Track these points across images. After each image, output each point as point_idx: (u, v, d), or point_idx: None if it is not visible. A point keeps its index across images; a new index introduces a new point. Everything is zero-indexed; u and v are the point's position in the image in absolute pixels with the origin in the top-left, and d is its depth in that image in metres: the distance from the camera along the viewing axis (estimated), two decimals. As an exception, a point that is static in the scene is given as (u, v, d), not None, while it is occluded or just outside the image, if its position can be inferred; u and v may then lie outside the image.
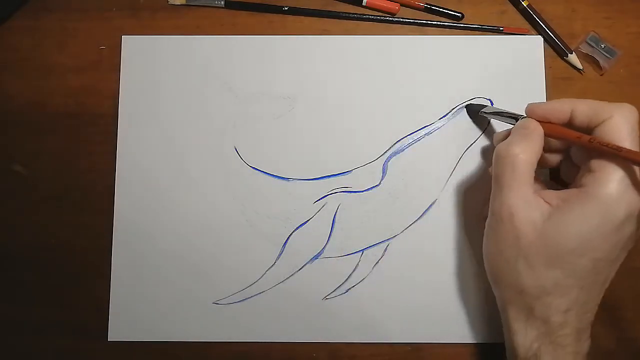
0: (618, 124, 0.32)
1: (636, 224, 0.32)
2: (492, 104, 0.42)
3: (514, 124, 0.36)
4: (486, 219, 0.35)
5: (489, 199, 0.35)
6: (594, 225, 0.31)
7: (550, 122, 0.35)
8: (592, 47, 0.42)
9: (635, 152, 0.31)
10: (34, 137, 0.43)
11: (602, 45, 0.42)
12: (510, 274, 0.33)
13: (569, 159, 0.37)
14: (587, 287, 0.32)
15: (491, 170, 0.35)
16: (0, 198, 0.42)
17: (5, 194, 0.42)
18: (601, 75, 0.43)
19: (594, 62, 0.43)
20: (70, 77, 0.43)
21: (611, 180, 0.31)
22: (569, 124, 0.34)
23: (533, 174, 0.33)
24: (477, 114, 0.41)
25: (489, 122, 0.42)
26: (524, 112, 0.36)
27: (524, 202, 0.32)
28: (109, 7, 0.44)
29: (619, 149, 0.30)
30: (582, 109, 0.33)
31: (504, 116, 0.38)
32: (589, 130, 0.33)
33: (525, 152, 0.33)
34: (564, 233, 0.31)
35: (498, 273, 0.34)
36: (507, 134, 0.36)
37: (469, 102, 0.42)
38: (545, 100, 0.42)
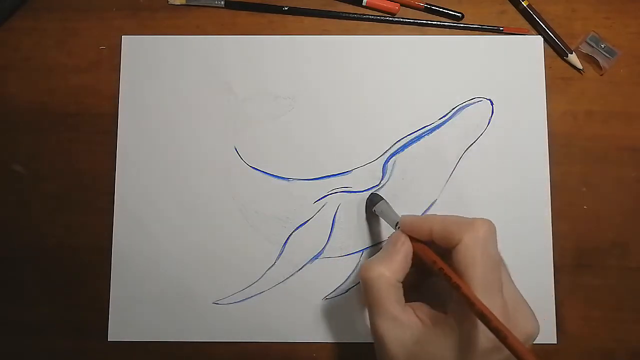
0: (467, 248, 0.31)
1: (503, 352, 0.30)
2: (492, 104, 0.42)
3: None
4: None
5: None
6: (456, 356, 0.30)
7: (417, 239, 0.34)
8: (592, 47, 0.42)
9: (469, 293, 0.29)
10: (34, 137, 0.43)
11: (602, 45, 0.42)
12: None
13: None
14: None
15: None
16: (0, 198, 0.42)
17: (5, 194, 0.42)
18: (601, 75, 0.43)
19: (594, 62, 0.43)
20: (70, 77, 0.43)
21: (468, 313, 0.30)
22: (431, 240, 0.33)
23: (400, 291, 0.33)
24: (372, 207, 0.40)
25: (489, 123, 0.42)
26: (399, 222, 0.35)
27: (392, 323, 0.32)
28: (109, 7, 0.44)
29: (457, 286, 0.29)
30: (437, 229, 0.32)
31: (389, 219, 0.37)
32: (449, 249, 0.32)
33: (388, 270, 0.32)
34: (430, 358, 0.31)
35: None
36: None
37: (370, 195, 0.41)
38: (545, 102, 0.42)
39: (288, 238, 0.41)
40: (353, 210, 0.41)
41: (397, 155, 0.42)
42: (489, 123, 0.42)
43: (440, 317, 0.32)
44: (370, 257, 0.41)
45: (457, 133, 0.42)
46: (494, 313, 0.28)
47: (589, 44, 0.42)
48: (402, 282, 0.33)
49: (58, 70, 0.43)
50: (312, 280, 0.41)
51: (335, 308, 0.41)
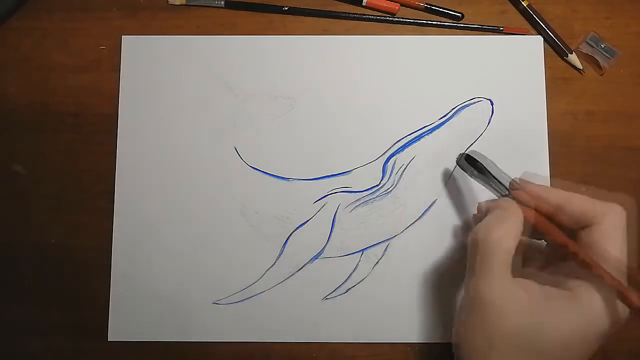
0: (608, 231, 0.31)
1: (615, 330, 0.31)
2: (492, 104, 0.42)
3: (496, 193, 0.36)
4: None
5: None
6: (578, 331, 0.30)
7: (535, 210, 0.33)
8: (592, 47, 0.42)
9: (616, 280, 0.30)
10: (34, 137, 0.43)
11: (602, 45, 0.42)
12: None
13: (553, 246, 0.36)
14: None
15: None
16: (0, 198, 0.42)
17: (5, 194, 0.42)
18: (601, 75, 0.43)
19: (594, 62, 0.43)
20: (70, 77, 0.43)
21: (598, 291, 0.30)
22: (554, 215, 0.33)
23: (511, 261, 0.32)
24: (470, 168, 0.38)
25: (489, 123, 0.42)
26: (509, 185, 0.35)
27: (501, 293, 0.31)
28: (109, 7, 0.44)
29: (602, 272, 0.30)
30: (572, 207, 0.32)
31: (490, 184, 0.37)
32: (576, 228, 0.32)
33: (503, 238, 0.32)
34: (546, 333, 0.30)
35: (467, 358, 0.33)
36: (486, 212, 0.35)
37: (467, 152, 0.39)
38: (545, 102, 0.42)
39: (288, 238, 0.41)
40: (353, 211, 0.41)
41: (397, 155, 0.42)
42: (489, 123, 0.42)
43: (557, 295, 0.31)
44: (370, 257, 0.41)
45: (457, 133, 0.42)
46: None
47: (589, 44, 0.42)
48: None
49: (58, 70, 0.43)
50: (312, 280, 0.41)
51: (335, 308, 0.41)
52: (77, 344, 0.41)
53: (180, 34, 0.43)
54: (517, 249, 0.32)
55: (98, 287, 0.41)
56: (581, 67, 0.42)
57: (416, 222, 0.41)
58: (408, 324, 0.40)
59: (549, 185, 0.40)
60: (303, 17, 0.44)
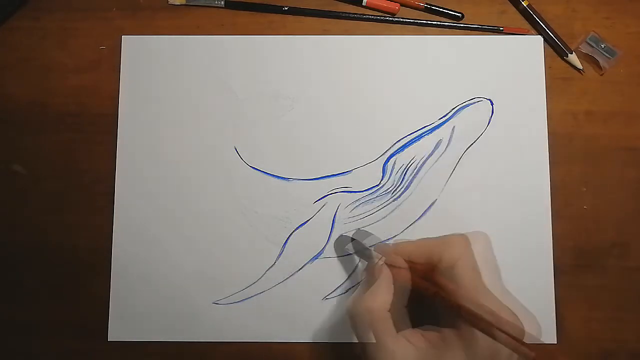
0: (455, 263, 0.32)
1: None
2: (492, 104, 0.42)
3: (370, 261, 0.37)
4: None
5: None
6: None
7: (397, 267, 0.34)
8: (592, 47, 0.42)
9: (473, 313, 0.30)
10: (34, 137, 0.43)
11: (602, 45, 0.42)
12: None
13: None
14: None
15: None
16: (0, 198, 0.42)
17: (5, 194, 0.42)
18: (601, 75, 0.43)
19: (594, 62, 0.43)
20: (70, 77, 0.43)
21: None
22: (413, 267, 0.34)
23: (390, 321, 0.33)
24: (343, 248, 0.41)
25: (489, 123, 0.42)
26: (374, 251, 0.36)
27: (387, 353, 0.32)
28: (109, 7, 0.44)
29: (459, 308, 0.30)
30: (419, 253, 0.34)
31: (364, 255, 0.38)
32: (436, 271, 0.33)
33: (373, 304, 0.33)
34: None
35: None
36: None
37: (339, 236, 0.41)
38: (545, 102, 0.42)
39: (288, 238, 0.41)
40: (353, 211, 0.41)
41: (397, 155, 0.42)
42: (489, 123, 0.42)
43: (449, 334, 0.32)
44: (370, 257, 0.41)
45: (457, 133, 0.42)
46: (505, 317, 0.29)
47: (589, 44, 0.42)
48: (389, 311, 0.33)
49: (58, 70, 0.43)
50: (312, 280, 0.41)
51: (335, 308, 0.41)
52: (77, 344, 0.41)
53: (180, 34, 0.43)
54: (394, 305, 0.33)
55: (98, 287, 0.41)
56: (581, 67, 0.42)
57: (416, 222, 0.41)
58: (408, 324, 0.40)
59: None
60: (303, 17, 0.44)
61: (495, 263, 0.37)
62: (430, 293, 0.32)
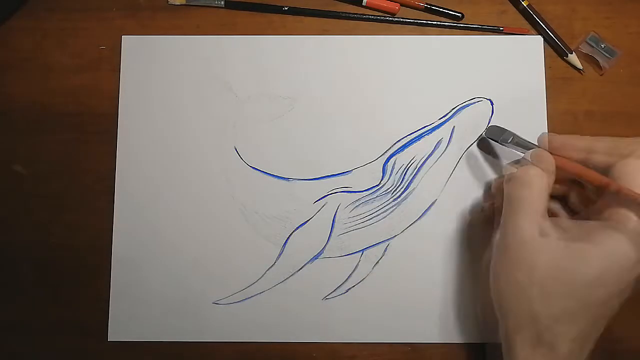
0: (637, 163, 0.32)
1: None
2: (492, 104, 0.42)
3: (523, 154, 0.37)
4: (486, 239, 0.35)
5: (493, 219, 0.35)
6: (617, 261, 0.31)
7: (565, 157, 0.34)
8: (592, 47, 0.42)
9: None
10: (34, 137, 0.43)
11: (602, 45, 0.42)
12: (521, 301, 0.32)
13: (576, 190, 0.37)
14: (596, 318, 0.32)
15: (485, 207, 0.35)
16: (0, 198, 0.42)
17: (5, 194, 0.42)
18: (601, 75, 0.43)
19: (594, 62, 0.43)
20: (70, 77, 0.43)
21: (637, 218, 0.31)
22: (584, 160, 0.34)
23: (547, 202, 0.33)
24: (491, 139, 0.40)
25: (489, 123, 0.42)
26: (537, 142, 0.36)
27: (539, 229, 0.32)
28: (109, 7, 0.44)
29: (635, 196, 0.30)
30: (600, 146, 0.33)
31: (521, 146, 0.38)
32: (606, 168, 0.33)
33: (541, 177, 0.33)
34: (585, 265, 0.31)
35: (507, 298, 0.33)
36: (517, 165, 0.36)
37: (490, 126, 0.41)
38: (545, 102, 0.42)
39: (288, 238, 0.41)
40: (353, 211, 0.41)
41: (397, 155, 0.42)
42: (489, 123, 0.42)
43: (594, 226, 0.32)
44: (370, 257, 0.41)
45: (457, 133, 0.42)
46: None
47: (589, 44, 0.42)
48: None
49: (58, 70, 0.43)
50: (312, 280, 0.41)
51: (335, 308, 0.41)
52: (77, 344, 0.41)
53: (180, 34, 0.43)
54: (549, 197, 0.34)
55: (98, 287, 0.41)
56: (581, 67, 0.42)
57: (416, 222, 0.41)
58: (408, 324, 0.40)
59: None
60: (303, 17, 0.44)
61: None
62: (604, 183, 0.32)
